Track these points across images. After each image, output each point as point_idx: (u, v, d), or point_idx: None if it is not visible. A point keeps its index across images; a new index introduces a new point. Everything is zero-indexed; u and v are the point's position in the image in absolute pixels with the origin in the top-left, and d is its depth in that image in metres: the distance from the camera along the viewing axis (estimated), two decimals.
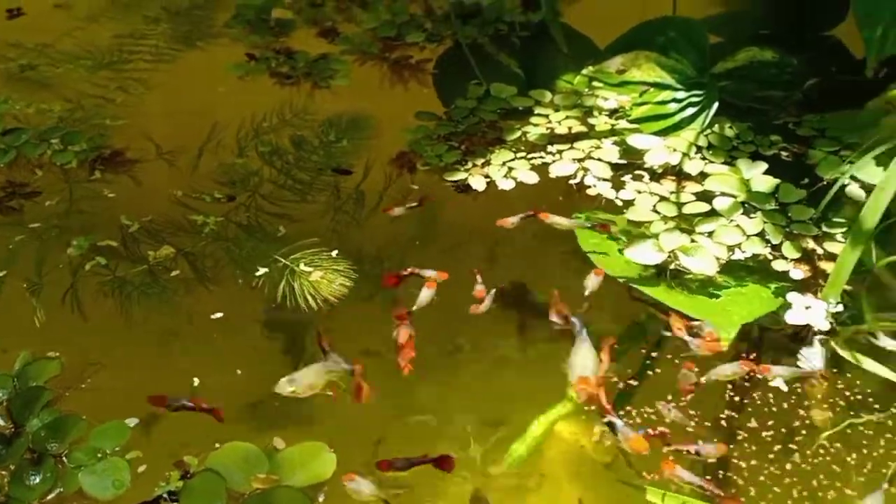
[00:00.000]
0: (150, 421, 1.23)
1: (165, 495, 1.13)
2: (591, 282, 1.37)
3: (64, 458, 1.18)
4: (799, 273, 1.39)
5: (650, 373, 1.27)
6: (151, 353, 1.35)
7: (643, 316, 1.37)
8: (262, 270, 1.46)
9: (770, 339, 1.32)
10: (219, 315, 1.40)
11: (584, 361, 1.24)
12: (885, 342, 1.29)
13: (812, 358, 1.27)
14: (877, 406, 1.21)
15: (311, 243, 1.51)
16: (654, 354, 1.30)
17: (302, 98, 1.97)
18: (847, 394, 1.23)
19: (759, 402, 1.22)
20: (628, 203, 1.57)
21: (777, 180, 1.57)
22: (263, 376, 1.26)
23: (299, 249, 1.50)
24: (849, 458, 1.15)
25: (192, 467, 1.16)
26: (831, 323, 1.31)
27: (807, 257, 1.42)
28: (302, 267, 1.46)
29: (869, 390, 1.23)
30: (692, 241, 1.45)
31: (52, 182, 1.70)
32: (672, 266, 1.41)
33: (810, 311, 1.34)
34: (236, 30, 2.24)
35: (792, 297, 1.36)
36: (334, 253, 1.49)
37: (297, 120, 1.89)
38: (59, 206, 1.64)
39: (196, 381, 1.28)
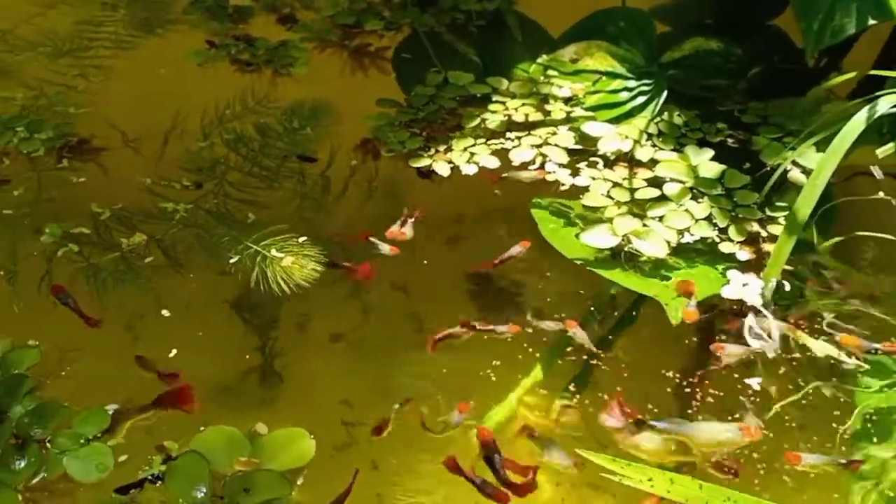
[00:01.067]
0: (132, 408, 1.27)
1: (150, 477, 1.17)
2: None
3: (48, 444, 1.21)
4: (745, 255, 1.49)
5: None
6: (127, 338, 1.38)
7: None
8: (234, 257, 1.50)
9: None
10: (193, 300, 1.44)
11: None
12: (827, 319, 1.39)
13: (761, 334, 1.36)
14: (817, 378, 1.31)
15: (280, 229, 1.56)
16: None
17: (264, 85, 1.99)
18: (788, 368, 1.32)
19: (714, 375, 1.32)
20: (583, 189, 1.64)
21: (723, 166, 1.66)
22: (238, 360, 1.31)
23: (269, 236, 1.54)
24: (797, 425, 1.25)
25: (174, 451, 1.20)
26: (774, 302, 1.41)
27: (752, 240, 1.52)
28: (273, 253, 1.50)
29: (808, 364, 1.33)
30: (644, 225, 1.54)
31: (20, 170, 1.70)
32: (626, 249, 1.50)
33: (747, 287, 1.43)
34: (194, 16, 2.24)
35: (731, 274, 1.45)
36: (303, 239, 1.54)
37: (260, 107, 1.92)
38: (28, 194, 1.65)
39: (174, 351, 1.34)
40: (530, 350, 1.36)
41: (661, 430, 1.22)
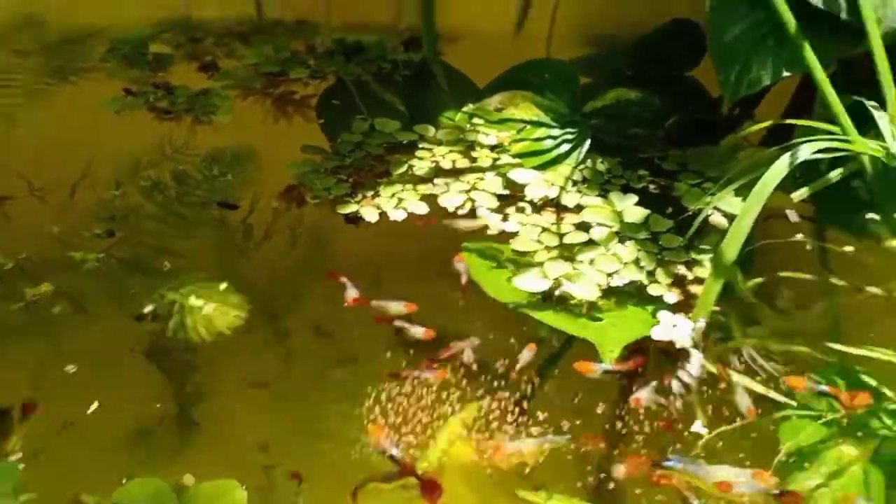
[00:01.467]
0: (44, 459, 1.18)
1: None
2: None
3: None
4: (673, 297, 1.49)
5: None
6: (37, 390, 1.28)
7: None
8: (149, 307, 1.43)
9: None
10: (104, 349, 1.36)
11: None
12: (752, 355, 1.40)
13: (689, 372, 1.36)
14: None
15: (199, 277, 1.49)
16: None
17: (183, 133, 1.94)
18: (716, 404, 1.32)
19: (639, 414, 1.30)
20: (512, 234, 1.63)
21: (647, 211, 1.68)
22: (152, 407, 1.25)
23: (187, 283, 1.47)
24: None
25: None
26: (702, 342, 1.41)
27: (679, 282, 1.53)
28: (192, 301, 1.43)
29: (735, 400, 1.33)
30: (574, 268, 1.53)
31: None
32: (557, 292, 1.48)
33: (676, 328, 1.43)
34: (112, 64, 2.18)
35: (661, 315, 1.45)
36: (223, 286, 1.48)
37: (179, 155, 1.86)
38: None
39: (71, 367, 1.27)
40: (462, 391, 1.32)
41: (678, 471, 1.20)
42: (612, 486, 1.21)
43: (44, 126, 1.94)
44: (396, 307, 1.46)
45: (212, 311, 1.41)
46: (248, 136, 1.93)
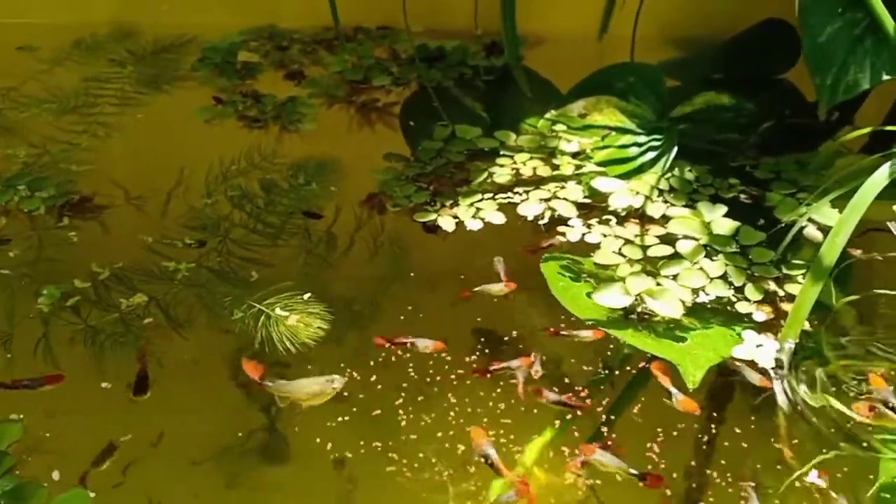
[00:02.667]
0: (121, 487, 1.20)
1: None
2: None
3: None
4: (761, 315, 1.44)
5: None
6: (122, 402, 1.33)
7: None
8: (237, 315, 1.46)
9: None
10: (193, 362, 1.40)
11: None
12: (844, 379, 1.34)
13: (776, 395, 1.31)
14: (839, 441, 1.25)
15: (284, 287, 1.52)
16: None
17: (270, 142, 1.98)
18: (805, 432, 1.27)
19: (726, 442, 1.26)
20: (594, 246, 1.60)
21: (737, 223, 1.62)
22: (235, 422, 1.27)
23: (273, 294, 1.50)
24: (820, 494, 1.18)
25: None
26: (791, 362, 1.36)
27: (769, 299, 1.48)
28: (278, 311, 1.46)
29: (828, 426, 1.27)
30: (658, 284, 1.50)
31: (20, 229, 1.68)
32: (639, 309, 1.45)
33: (760, 349, 1.38)
34: (202, 73, 2.25)
35: (746, 334, 1.40)
36: (307, 296, 1.50)
37: (266, 164, 1.90)
38: (27, 253, 1.61)
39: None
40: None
41: None
42: None
43: (138, 135, 2.01)
44: (498, 288, 1.49)
45: (295, 322, 1.43)
46: (333, 144, 1.96)
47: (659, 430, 1.27)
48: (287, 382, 1.31)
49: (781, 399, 1.31)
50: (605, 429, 1.27)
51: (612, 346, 1.40)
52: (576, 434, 1.27)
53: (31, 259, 1.60)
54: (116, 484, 1.19)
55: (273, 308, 1.47)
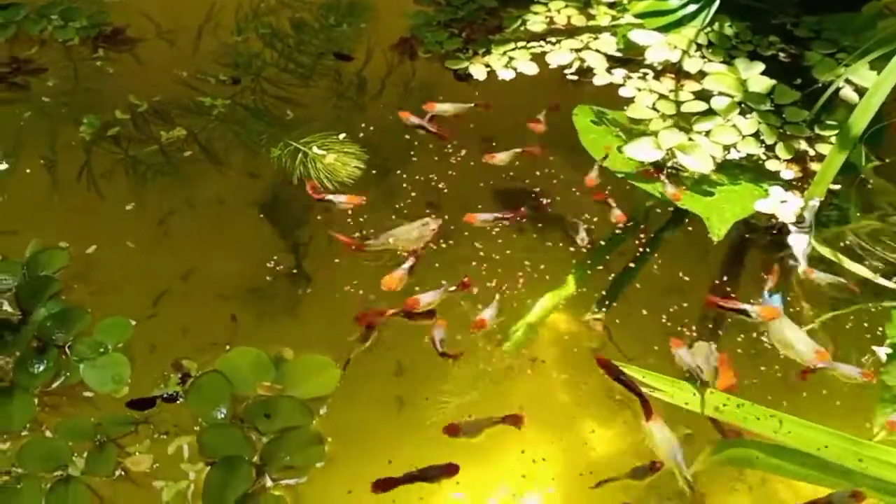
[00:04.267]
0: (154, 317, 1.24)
1: (166, 395, 1.14)
2: None
3: (67, 350, 1.19)
4: (790, 173, 1.46)
5: None
6: (158, 234, 1.36)
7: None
8: (275, 153, 1.49)
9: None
10: (229, 198, 1.43)
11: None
12: (863, 241, 1.37)
13: (796, 254, 1.34)
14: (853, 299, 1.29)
15: (319, 126, 1.53)
16: None
17: None
18: (821, 289, 1.30)
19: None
20: (628, 100, 1.60)
21: (773, 81, 1.61)
22: (263, 261, 1.31)
23: (309, 133, 1.52)
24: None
25: (193, 370, 1.16)
26: (815, 221, 1.38)
27: (799, 157, 1.49)
28: (315, 150, 1.48)
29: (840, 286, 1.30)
30: (690, 139, 1.50)
31: (56, 59, 1.68)
32: (670, 164, 1.47)
33: (784, 205, 1.40)
34: None
35: (773, 189, 1.42)
36: (342, 136, 1.52)
37: (296, 2, 1.87)
38: (64, 83, 1.63)
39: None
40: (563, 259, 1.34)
41: None
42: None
43: None
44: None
45: (333, 160, 1.46)
46: None
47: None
48: (386, 234, 1.32)
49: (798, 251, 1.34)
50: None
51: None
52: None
53: (68, 89, 1.62)
54: (150, 315, 1.24)
55: (310, 146, 1.49)
